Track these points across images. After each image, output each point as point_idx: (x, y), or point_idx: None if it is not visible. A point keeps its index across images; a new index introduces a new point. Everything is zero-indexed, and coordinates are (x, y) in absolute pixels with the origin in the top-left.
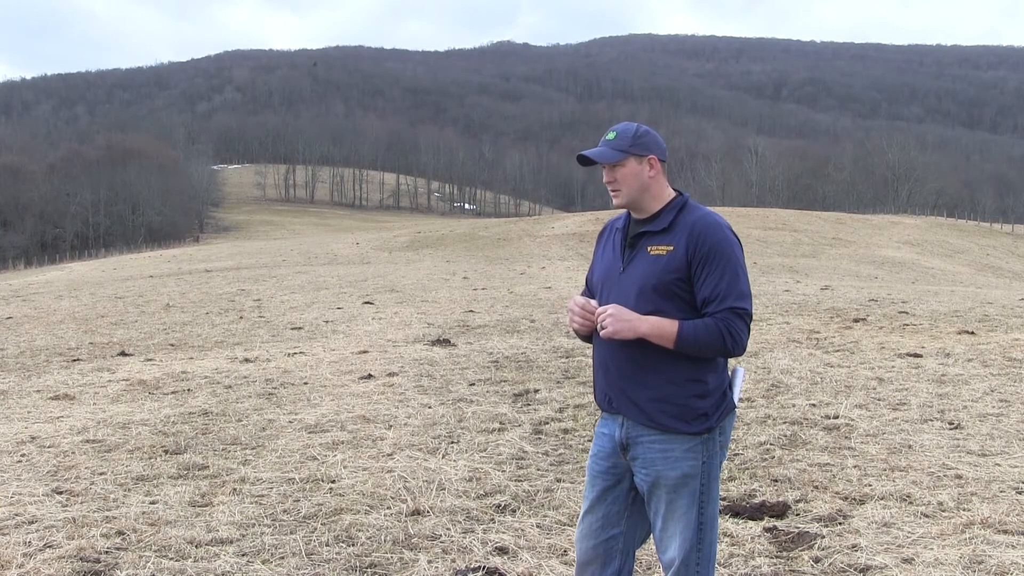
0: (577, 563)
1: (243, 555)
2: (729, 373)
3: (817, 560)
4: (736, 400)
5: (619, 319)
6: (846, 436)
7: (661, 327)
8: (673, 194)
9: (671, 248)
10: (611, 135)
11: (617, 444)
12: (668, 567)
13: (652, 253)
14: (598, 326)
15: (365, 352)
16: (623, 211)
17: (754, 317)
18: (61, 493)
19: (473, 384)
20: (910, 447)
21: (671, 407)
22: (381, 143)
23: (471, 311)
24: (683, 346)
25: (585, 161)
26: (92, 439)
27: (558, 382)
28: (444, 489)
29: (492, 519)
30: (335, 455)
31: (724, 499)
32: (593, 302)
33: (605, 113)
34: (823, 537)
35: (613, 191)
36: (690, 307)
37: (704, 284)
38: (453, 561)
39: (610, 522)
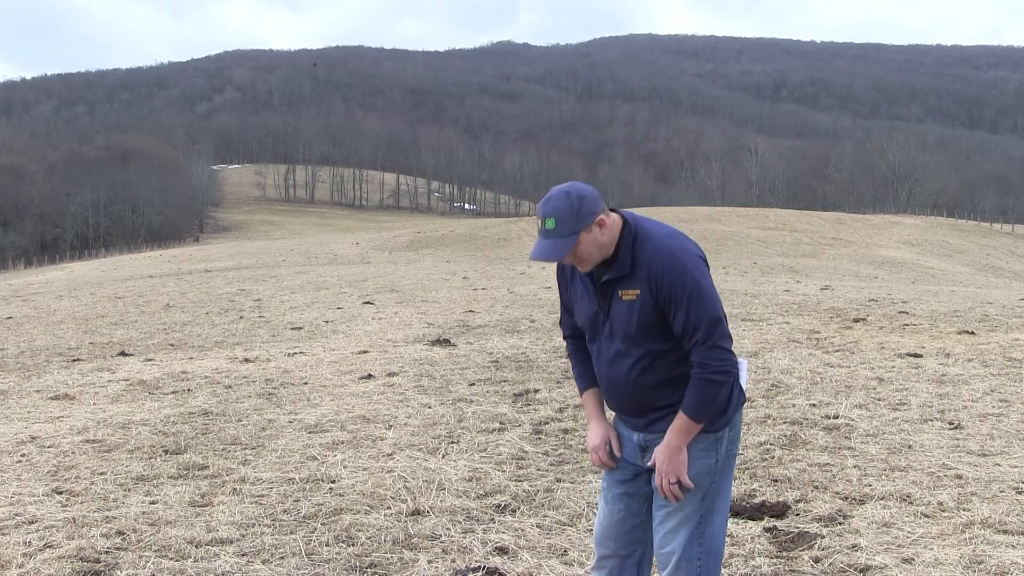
0: (597, 555)
1: (243, 555)
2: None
3: (817, 560)
4: (743, 388)
5: (672, 472)
6: (846, 436)
7: (684, 431)
8: (619, 224)
9: (638, 292)
10: (550, 223)
11: (636, 446)
12: (667, 560)
13: (624, 299)
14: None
15: (365, 352)
16: None
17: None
18: (61, 493)
19: (473, 384)
20: (910, 447)
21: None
22: (381, 143)
23: (471, 311)
24: (703, 419)
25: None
26: (92, 439)
27: (558, 382)
28: (444, 489)
29: (492, 519)
30: (335, 455)
31: None
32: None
33: (605, 113)
34: (823, 537)
35: (579, 265)
36: (675, 335)
37: (676, 320)
38: (453, 561)
39: (631, 512)
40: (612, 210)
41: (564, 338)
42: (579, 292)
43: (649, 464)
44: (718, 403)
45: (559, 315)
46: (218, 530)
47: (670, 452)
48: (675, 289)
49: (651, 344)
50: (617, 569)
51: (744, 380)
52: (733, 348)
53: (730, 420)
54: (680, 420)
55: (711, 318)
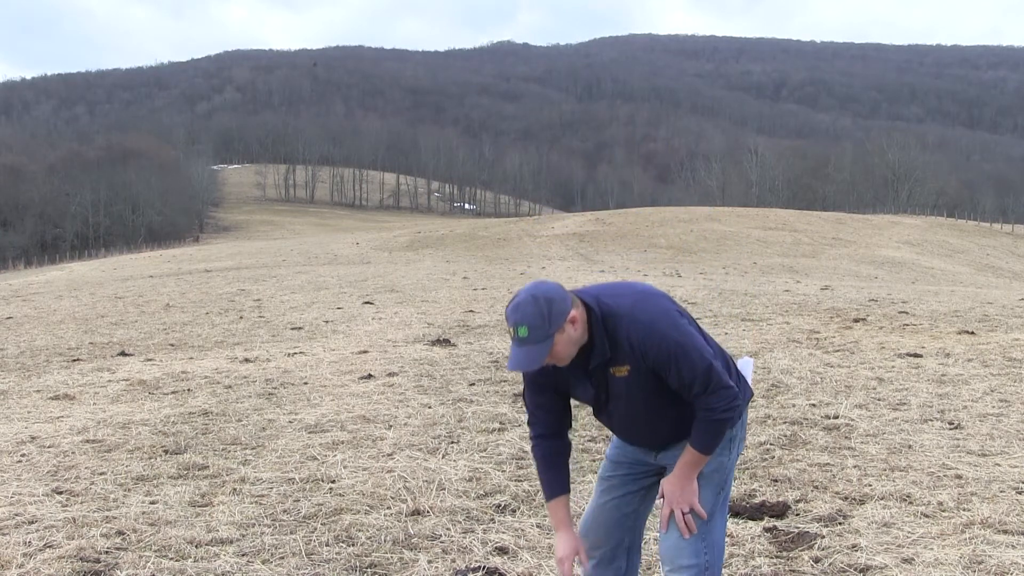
0: (591, 545)
1: (243, 555)
2: (738, 366)
3: (817, 560)
4: (750, 386)
5: (685, 503)
6: (846, 436)
7: (695, 464)
8: (583, 309)
9: (628, 367)
10: (523, 331)
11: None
12: (673, 556)
13: (618, 375)
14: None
15: (365, 352)
16: None
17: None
18: (61, 493)
19: (473, 384)
20: (910, 447)
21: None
22: (381, 143)
23: (471, 311)
24: (712, 452)
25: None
26: (92, 439)
27: None
28: (444, 489)
29: (492, 519)
30: (335, 455)
31: None
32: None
33: (605, 113)
34: (823, 537)
35: (555, 363)
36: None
37: (671, 379)
38: (453, 561)
39: (625, 503)
40: (580, 300)
41: (533, 438)
42: (571, 379)
43: (659, 495)
44: (722, 435)
45: (528, 421)
46: (218, 530)
47: (683, 484)
48: (660, 356)
49: (660, 397)
50: (609, 556)
51: (750, 377)
52: (730, 349)
53: (741, 416)
54: (690, 455)
55: (703, 369)
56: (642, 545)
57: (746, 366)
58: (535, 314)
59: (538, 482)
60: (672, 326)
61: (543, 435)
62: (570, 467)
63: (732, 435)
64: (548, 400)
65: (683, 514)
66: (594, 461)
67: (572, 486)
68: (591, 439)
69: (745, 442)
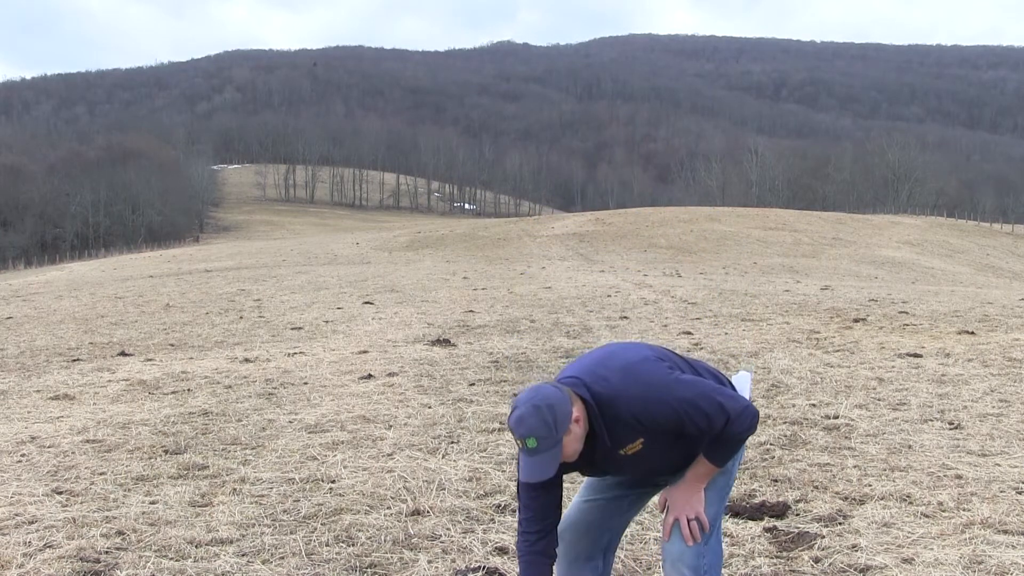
0: (569, 542)
1: (243, 555)
2: (734, 381)
3: (817, 560)
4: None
5: (692, 511)
6: (846, 436)
7: (706, 475)
8: (581, 404)
9: (641, 441)
10: (532, 443)
11: None
12: (674, 558)
13: (630, 453)
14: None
15: (365, 352)
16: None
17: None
18: (61, 493)
19: (473, 384)
20: (910, 447)
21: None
22: (381, 143)
23: (471, 311)
24: (724, 464)
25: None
26: (92, 439)
27: None
28: (444, 489)
29: (492, 519)
30: (335, 455)
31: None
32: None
33: (605, 113)
34: (823, 537)
35: (564, 461)
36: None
37: (690, 431)
38: (453, 561)
39: (609, 512)
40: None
41: (526, 533)
42: (578, 464)
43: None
44: (738, 446)
45: (518, 519)
46: (218, 530)
47: (690, 493)
48: (671, 419)
49: (678, 444)
50: (587, 554)
51: (747, 392)
52: (730, 349)
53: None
54: (703, 466)
55: (715, 410)
56: (640, 545)
57: (743, 381)
58: (540, 424)
59: None
60: (667, 387)
61: (535, 531)
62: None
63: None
64: (548, 493)
65: (689, 521)
66: None
67: (573, 487)
68: None
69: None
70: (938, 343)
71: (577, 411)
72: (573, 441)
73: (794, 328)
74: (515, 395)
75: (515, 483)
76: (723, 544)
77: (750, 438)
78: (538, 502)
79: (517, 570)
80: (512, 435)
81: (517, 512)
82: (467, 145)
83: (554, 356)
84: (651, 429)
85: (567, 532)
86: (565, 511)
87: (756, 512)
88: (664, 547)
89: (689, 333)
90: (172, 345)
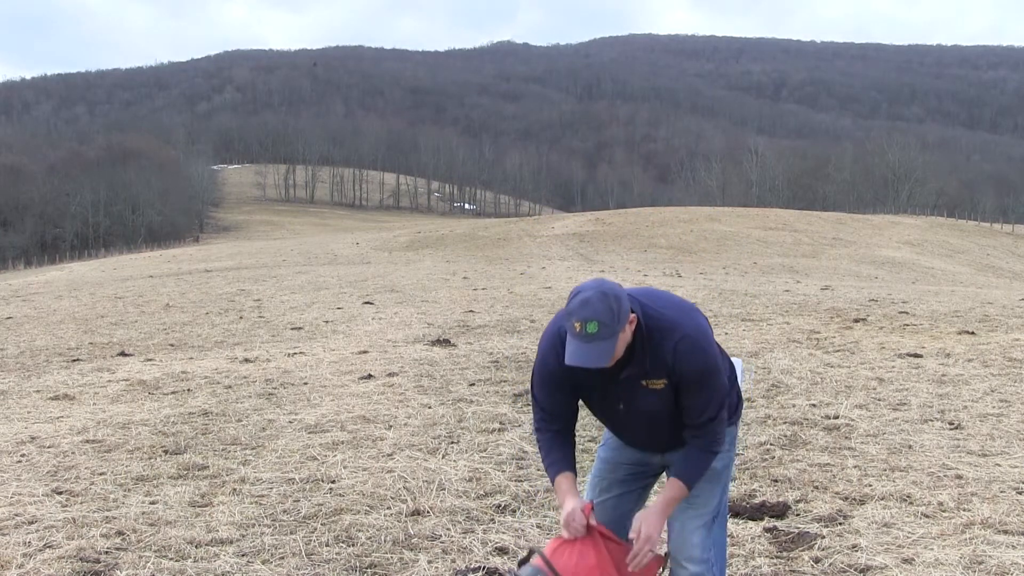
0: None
1: (243, 555)
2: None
3: (817, 560)
4: (743, 390)
5: (652, 543)
6: (846, 436)
7: (677, 500)
8: (632, 315)
9: (664, 382)
10: (593, 327)
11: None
12: (679, 549)
13: (651, 387)
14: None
15: (365, 352)
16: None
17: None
18: (61, 493)
19: (473, 384)
20: (910, 447)
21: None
22: (381, 143)
23: (471, 311)
24: (694, 484)
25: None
26: (92, 439)
27: None
28: (444, 489)
29: (492, 519)
30: (335, 455)
31: None
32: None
33: (605, 113)
34: (823, 537)
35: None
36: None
37: (688, 399)
38: (453, 561)
39: (624, 500)
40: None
41: (540, 431)
42: (593, 383)
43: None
44: (708, 466)
45: (536, 417)
46: (218, 530)
47: (658, 521)
48: (694, 376)
49: (669, 422)
50: None
51: (742, 381)
52: (731, 349)
53: (740, 414)
54: (675, 489)
55: (719, 400)
56: None
57: (737, 369)
58: (606, 310)
59: (539, 482)
60: (715, 355)
61: (552, 429)
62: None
63: (734, 434)
64: (563, 399)
65: (643, 553)
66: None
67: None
68: (591, 439)
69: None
70: (938, 343)
71: (633, 316)
72: (623, 343)
73: (794, 328)
74: (578, 292)
75: (515, 483)
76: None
77: (750, 438)
78: (554, 402)
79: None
80: (569, 320)
81: (533, 416)
82: (467, 145)
83: None
84: (676, 373)
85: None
86: None
87: (756, 512)
88: (670, 541)
89: None
90: (172, 345)
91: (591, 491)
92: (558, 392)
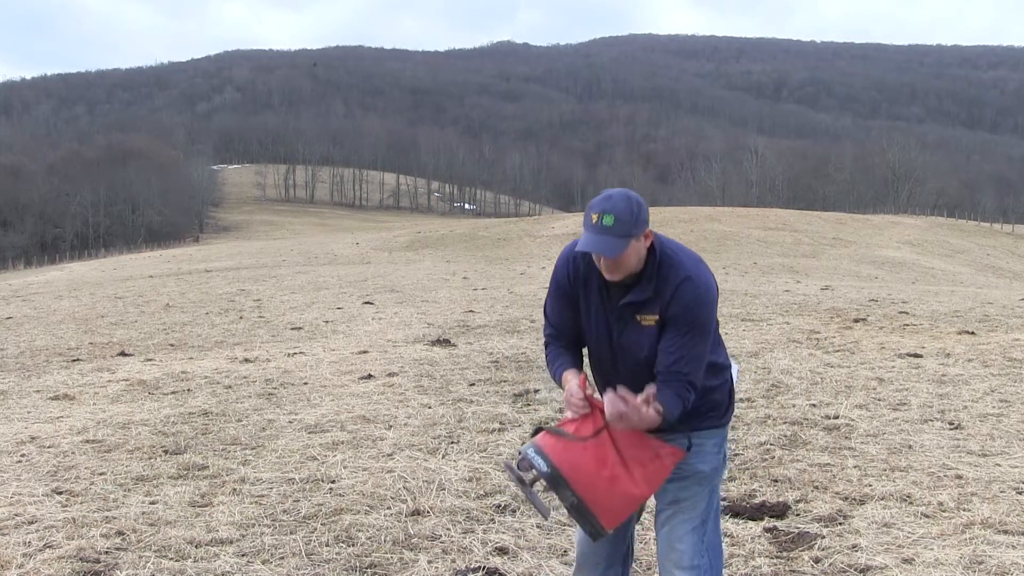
0: (583, 553)
1: (243, 555)
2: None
3: (817, 560)
4: (736, 392)
5: (625, 412)
6: (846, 436)
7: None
8: (648, 231)
9: (656, 318)
10: (609, 220)
11: None
12: (676, 562)
13: (643, 324)
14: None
15: (365, 352)
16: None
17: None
18: (61, 493)
19: (473, 384)
20: (910, 447)
21: (700, 408)
22: (381, 143)
23: (471, 311)
24: (669, 419)
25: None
26: (92, 439)
27: None
28: (444, 489)
29: (492, 519)
30: (335, 455)
31: (724, 499)
32: (595, 397)
33: (605, 113)
34: (823, 537)
35: (610, 272)
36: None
37: (667, 344)
38: (453, 561)
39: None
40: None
41: (549, 343)
42: (593, 307)
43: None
44: (673, 413)
45: (545, 333)
46: (218, 530)
47: (634, 408)
48: (685, 322)
49: (649, 364)
50: (605, 565)
51: (737, 383)
52: (729, 352)
53: (729, 416)
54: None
55: (699, 358)
56: (641, 546)
57: (732, 371)
58: (626, 210)
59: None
60: (711, 308)
61: (559, 343)
62: None
63: (725, 435)
64: (569, 317)
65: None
66: None
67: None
68: None
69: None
70: (938, 343)
71: (650, 233)
72: (635, 253)
73: (794, 328)
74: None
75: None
76: (723, 544)
77: (750, 438)
78: (562, 319)
79: (517, 571)
80: (588, 213)
81: (543, 333)
82: (467, 145)
83: None
84: (669, 309)
85: (584, 544)
86: (577, 531)
87: (756, 512)
88: (660, 546)
89: None
90: (172, 345)
91: None
92: (565, 311)
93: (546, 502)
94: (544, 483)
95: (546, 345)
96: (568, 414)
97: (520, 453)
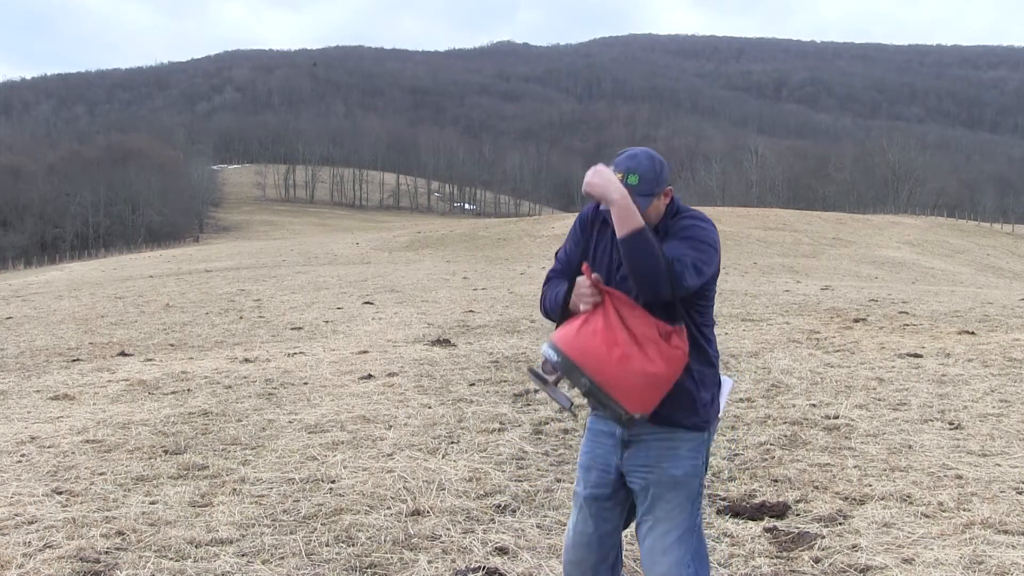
0: (570, 561)
1: (243, 555)
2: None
3: (817, 560)
4: (722, 408)
5: (601, 175)
6: (846, 436)
7: (630, 210)
8: (668, 189)
9: None
10: (633, 179)
11: (618, 441)
12: (657, 573)
13: None
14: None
15: (365, 352)
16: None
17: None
18: (61, 493)
19: (473, 384)
20: (910, 447)
21: (676, 398)
22: (381, 143)
23: (471, 311)
24: (632, 245)
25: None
26: (92, 439)
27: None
28: (444, 489)
29: (492, 519)
30: (335, 455)
31: (724, 499)
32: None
33: (605, 113)
34: (823, 537)
35: None
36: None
37: (668, 238)
38: (453, 561)
39: (604, 518)
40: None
41: (550, 280)
42: (601, 248)
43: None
44: (648, 261)
45: (549, 273)
46: (218, 530)
47: (610, 178)
48: (681, 231)
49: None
50: (592, 572)
51: (724, 399)
52: (730, 349)
53: (710, 419)
54: (634, 210)
55: (698, 256)
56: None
57: (725, 386)
58: (649, 169)
59: (538, 482)
60: (713, 239)
61: (560, 282)
62: (570, 467)
63: (704, 439)
64: (578, 253)
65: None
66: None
67: (572, 486)
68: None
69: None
70: (938, 343)
71: (669, 197)
72: (655, 211)
73: (794, 328)
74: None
75: (515, 483)
76: (723, 544)
77: (751, 438)
78: (572, 256)
79: (517, 571)
80: (613, 170)
81: (547, 275)
82: (467, 145)
83: None
84: (669, 238)
85: (572, 551)
86: (566, 533)
87: (756, 512)
88: (643, 563)
89: None
90: (172, 345)
91: (574, 504)
92: (577, 247)
93: (568, 395)
94: (561, 375)
95: (546, 281)
96: (582, 308)
97: (543, 356)
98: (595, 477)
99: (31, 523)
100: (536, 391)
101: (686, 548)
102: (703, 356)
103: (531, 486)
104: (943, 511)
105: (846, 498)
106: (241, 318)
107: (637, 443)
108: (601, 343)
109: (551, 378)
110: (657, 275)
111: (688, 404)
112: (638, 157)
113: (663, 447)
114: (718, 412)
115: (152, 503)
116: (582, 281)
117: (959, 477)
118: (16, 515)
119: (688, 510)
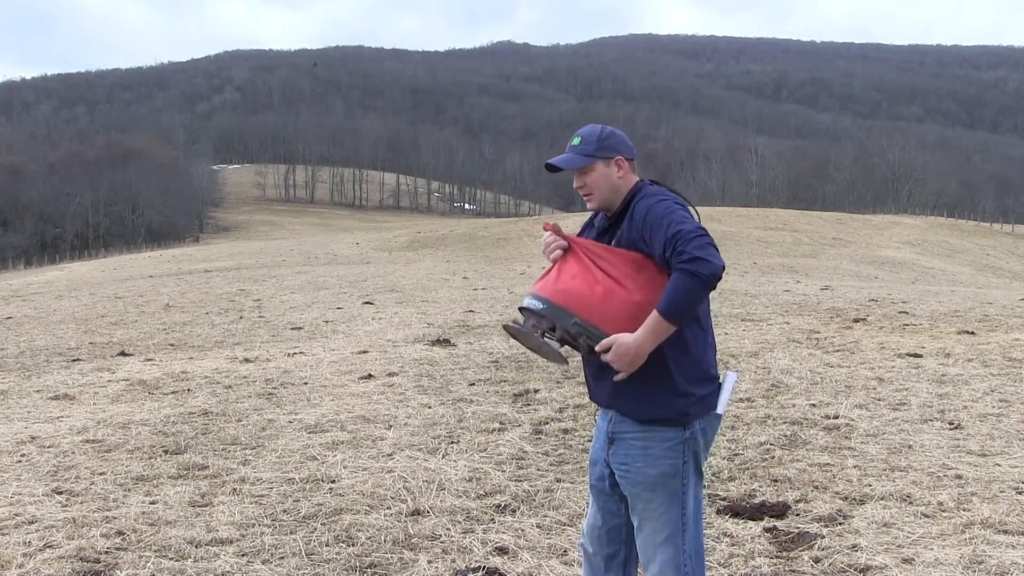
0: (583, 551)
1: (243, 555)
2: (722, 377)
3: (817, 560)
4: (722, 405)
5: (624, 359)
6: (846, 436)
7: (655, 330)
8: (634, 183)
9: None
10: (576, 140)
11: (606, 437)
12: (655, 572)
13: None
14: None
15: (365, 352)
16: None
17: (754, 317)
18: (61, 493)
19: (473, 384)
20: (910, 447)
21: (648, 383)
22: (381, 143)
23: (471, 311)
24: (676, 317)
25: (553, 168)
26: (92, 439)
27: (558, 382)
28: (444, 489)
29: (492, 519)
30: (335, 455)
31: (724, 499)
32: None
33: (605, 113)
34: (823, 537)
35: (586, 195)
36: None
37: (655, 244)
38: (453, 561)
39: (610, 511)
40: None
41: None
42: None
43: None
44: (695, 296)
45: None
46: (218, 530)
47: (639, 343)
48: (648, 217)
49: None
50: (601, 568)
51: (726, 395)
52: (730, 349)
53: (691, 414)
54: (651, 318)
55: (684, 226)
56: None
57: (728, 381)
58: (592, 133)
59: (538, 482)
60: (668, 203)
61: None
62: (570, 467)
63: (685, 438)
64: None
65: (607, 356)
66: None
67: (572, 486)
68: (588, 441)
69: (706, 457)
70: (938, 343)
71: (627, 168)
72: (604, 178)
73: (794, 328)
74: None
75: (515, 483)
76: (723, 544)
77: (750, 438)
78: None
79: (517, 571)
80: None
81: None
82: (467, 145)
83: None
84: (636, 235)
85: (588, 538)
86: (585, 520)
87: (756, 512)
88: (640, 553)
89: None
90: (172, 345)
91: (589, 495)
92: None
93: (560, 350)
94: (547, 322)
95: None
96: (551, 257)
97: (524, 313)
98: (597, 471)
99: (31, 523)
100: (536, 391)
101: (676, 549)
102: (682, 344)
103: (531, 486)
104: (943, 511)
105: (846, 498)
106: (241, 318)
107: (620, 440)
108: (582, 283)
109: (536, 332)
110: (704, 289)
111: (661, 392)
112: (588, 126)
113: (639, 446)
114: (713, 408)
115: (152, 503)
116: (545, 235)
117: (959, 477)
118: (16, 515)
119: (673, 511)
